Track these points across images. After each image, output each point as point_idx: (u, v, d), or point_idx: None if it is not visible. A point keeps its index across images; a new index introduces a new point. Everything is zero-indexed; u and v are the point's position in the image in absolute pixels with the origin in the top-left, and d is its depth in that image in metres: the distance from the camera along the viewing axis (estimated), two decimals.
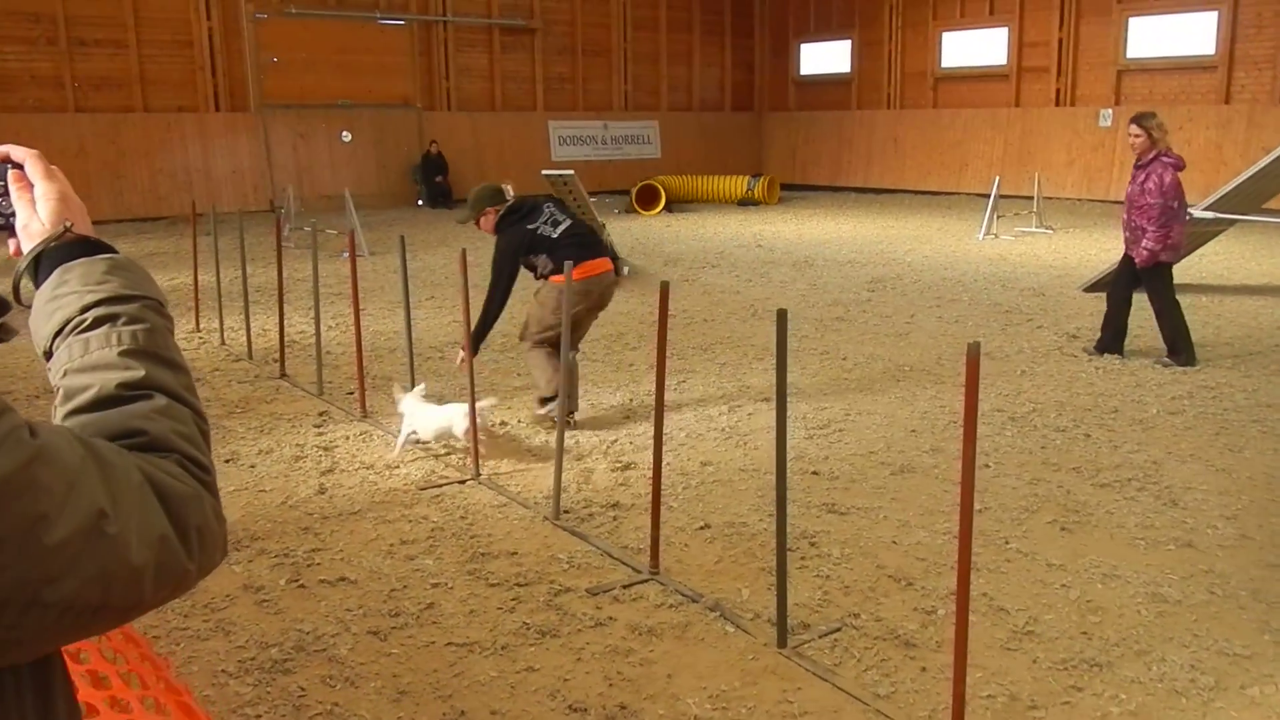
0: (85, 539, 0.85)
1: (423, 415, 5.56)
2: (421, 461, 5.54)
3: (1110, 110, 20.35)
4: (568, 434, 5.72)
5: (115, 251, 1.16)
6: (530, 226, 5.91)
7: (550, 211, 6.00)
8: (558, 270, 5.68)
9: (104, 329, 1.06)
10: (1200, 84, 19.27)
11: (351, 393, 6.90)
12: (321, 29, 20.25)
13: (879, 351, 8.08)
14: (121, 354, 1.05)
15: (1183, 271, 11.38)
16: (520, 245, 5.89)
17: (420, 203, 21.16)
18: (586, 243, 5.92)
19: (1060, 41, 21.06)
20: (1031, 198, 17.06)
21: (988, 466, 5.33)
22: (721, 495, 5.00)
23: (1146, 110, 7.18)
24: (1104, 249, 14.08)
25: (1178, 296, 7.40)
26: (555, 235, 5.87)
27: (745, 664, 3.45)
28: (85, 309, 1.08)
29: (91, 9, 18.06)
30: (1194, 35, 19.23)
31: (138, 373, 1.03)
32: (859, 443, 5.79)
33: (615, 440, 5.85)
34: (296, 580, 4.13)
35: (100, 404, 1.01)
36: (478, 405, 5.34)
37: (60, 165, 1.22)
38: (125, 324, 1.07)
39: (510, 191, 6.26)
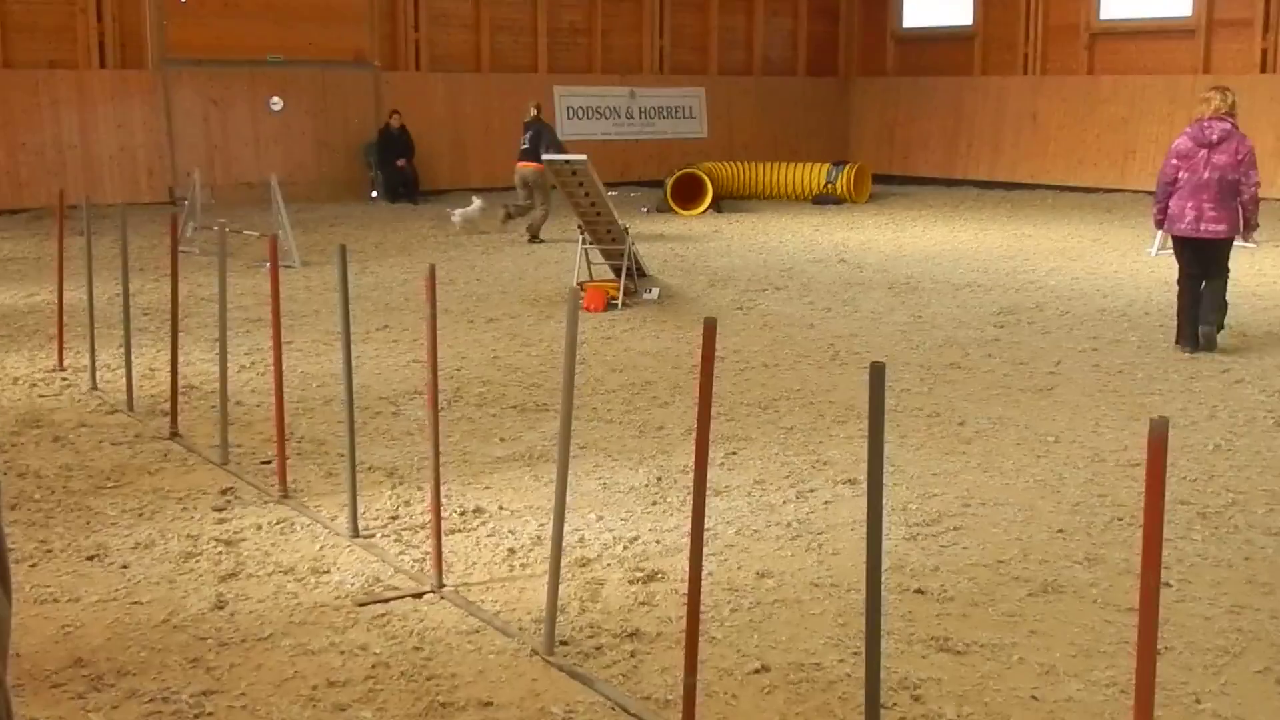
0: None
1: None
2: (361, 564, 5.43)
3: None
4: (569, 529, 5.60)
5: None
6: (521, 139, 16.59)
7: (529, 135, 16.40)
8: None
9: None
10: None
11: (268, 461, 6.82)
12: None
13: (1010, 414, 7.93)
14: None
15: None
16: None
17: (375, 195, 21.29)
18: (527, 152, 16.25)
19: None
20: None
21: (1169, 585, 5.15)
22: (786, 622, 4.87)
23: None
24: None
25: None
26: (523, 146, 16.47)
27: None
28: None
29: None
30: None
31: None
32: (982, 548, 5.64)
33: (635, 538, 5.73)
34: None
35: None
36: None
37: None
38: None
39: (532, 110, 16.85)
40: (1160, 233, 15.25)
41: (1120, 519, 5.99)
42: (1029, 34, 24.16)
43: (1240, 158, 9.36)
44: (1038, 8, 23.95)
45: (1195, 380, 8.85)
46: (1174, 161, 9.58)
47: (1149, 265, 14.43)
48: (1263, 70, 21.02)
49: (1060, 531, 5.85)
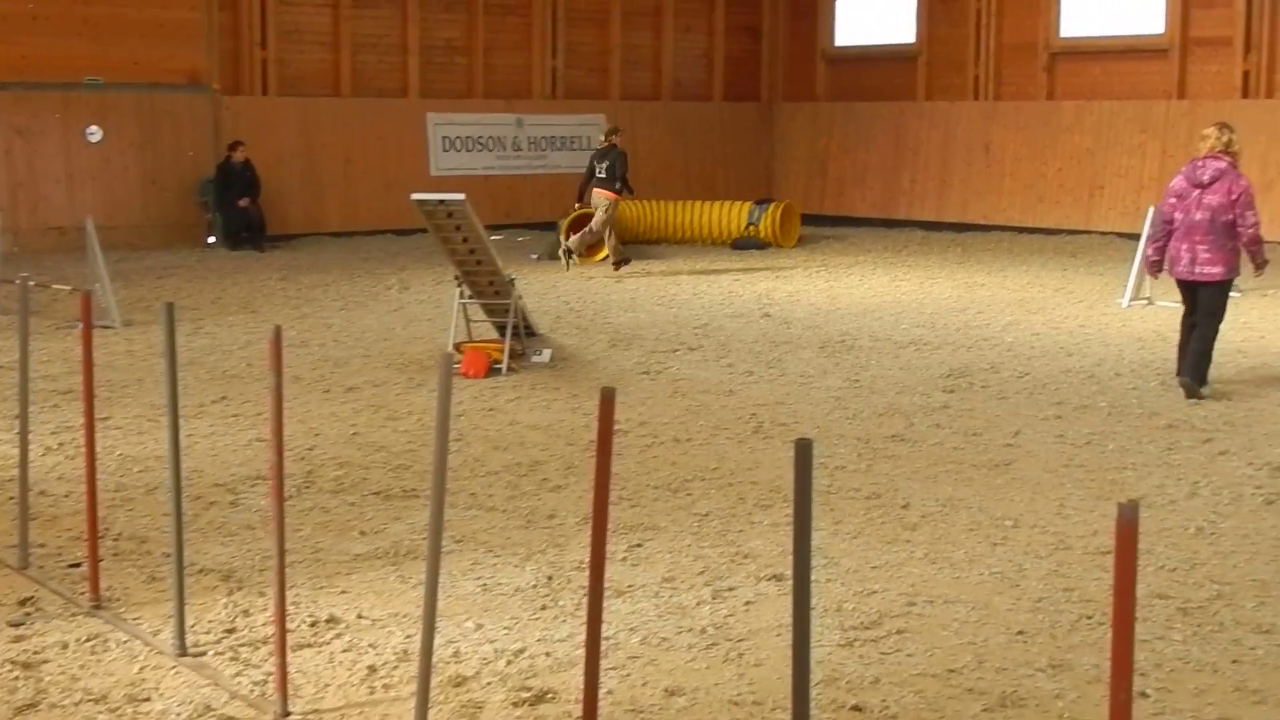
0: None
1: None
2: (190, 689, 5.30)
3: None
4: (441, 641, 5.52)
5: None
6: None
7: (600, 161, 18.71)
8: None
9: None
10: None
11: (77, 564, 6.67)
12: None
13: (962, 495, 7.99)
14: None
15: None
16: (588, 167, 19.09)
17: (212, 240, 21.07)
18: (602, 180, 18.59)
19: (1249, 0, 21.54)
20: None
21: (1145, 696, 5.19)
22: None
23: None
24: None
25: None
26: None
27: None
28: None
29: None
30: None
31: None
32: (930, 654, 5.65)
33: (521, 650, 5.67)
34: None
35: None
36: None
37: None
38: None
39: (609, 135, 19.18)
40: (1133, 281, 15.64)
41: (1089, 617, 6.02)
42: (980, 54, 24.60)
43: (1234, 198, 10.38)
44: (989, 24, 24.41)
45: (1174, 452, 8.99)
46: (1170, 201, 10.74)
47: (1120, 318, 14.69)
48: (1244, 95, 21.58)
49: (1020, 633, 5.87)
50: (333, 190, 22.67)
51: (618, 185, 18.58)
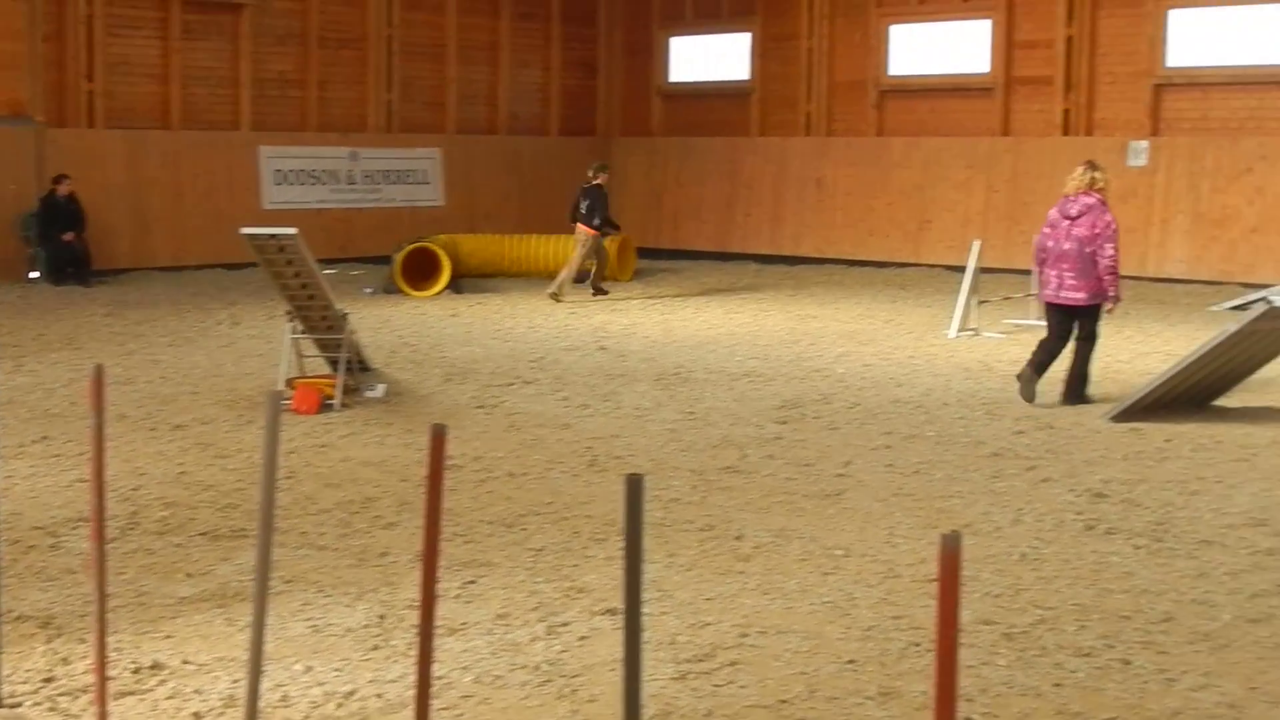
0: None
1: None
2: None
3: (1145, 143, 21.46)
4: (269, 684, 5.40)
5: None
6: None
7: (584, 199, 20.14)
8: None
9: None
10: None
11: None
12: None
13: (794, 525, 8.06)
14: None
15: None
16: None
17: (35, 275, 20.57)
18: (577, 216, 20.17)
19: (1070, 40, 22.27)
20: (1029, 271, 17.69)
21: None
22: None
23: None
24: (1141, 353, 14.58)
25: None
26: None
27: None
28: None
29: None
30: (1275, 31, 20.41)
31: None
32: (762, 685, 5.67)
33: (352, 692, 5.59)
34: None
35: None
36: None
37: None
38: None
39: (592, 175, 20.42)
40: (960, 313, 16.01)
41: (918, 645, 6.10)
42: (811, 91, 25.03)
43: (1097, 231, 11.41)
44: (821, 62, 24.85)
45: (998, 479, 9.17)
46: (1046, 230, 11.86)
47: (948, 349, 14.98)
48: (1065, 132, 22.25)
49: (851, 662, 5.93)
50: (161, 224, 22.27)
51: (596, 222, 19.83)
